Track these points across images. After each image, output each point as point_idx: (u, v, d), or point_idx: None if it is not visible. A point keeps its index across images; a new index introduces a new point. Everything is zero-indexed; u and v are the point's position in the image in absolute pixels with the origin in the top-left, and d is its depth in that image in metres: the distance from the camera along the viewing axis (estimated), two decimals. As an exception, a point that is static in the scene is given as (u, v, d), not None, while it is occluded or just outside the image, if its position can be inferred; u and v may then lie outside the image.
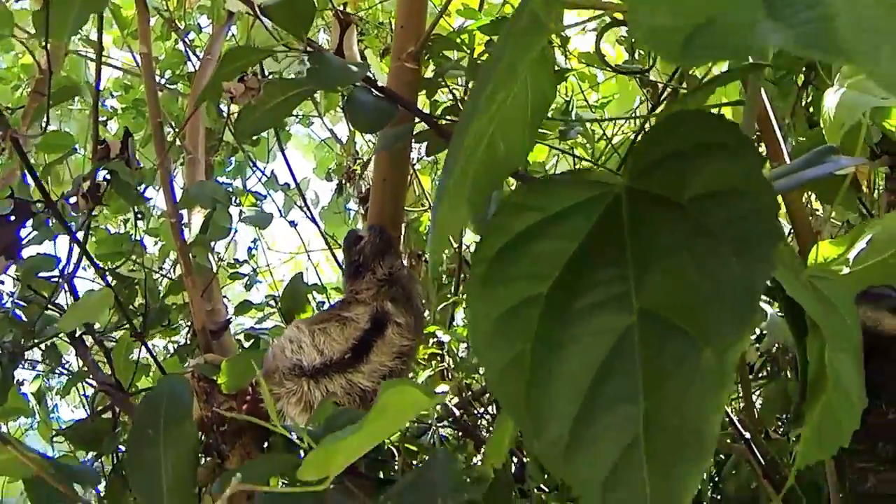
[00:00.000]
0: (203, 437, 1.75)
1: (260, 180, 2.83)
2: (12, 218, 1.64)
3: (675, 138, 0.67)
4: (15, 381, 2.21)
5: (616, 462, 0.53)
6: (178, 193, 1.98)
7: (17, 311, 1.97)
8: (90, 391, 2.36)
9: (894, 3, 0.38)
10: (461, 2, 2.17)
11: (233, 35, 2.74)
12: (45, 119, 1.66)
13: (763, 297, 1.10)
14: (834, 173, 1.38)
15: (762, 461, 1.55)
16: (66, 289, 1.97)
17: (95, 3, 1.08)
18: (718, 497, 2.20)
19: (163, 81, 2.86)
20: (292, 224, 2.84)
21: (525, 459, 2.18)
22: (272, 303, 2.48)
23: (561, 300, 0.62)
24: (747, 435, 1.58)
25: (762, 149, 1.43)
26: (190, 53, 2.91)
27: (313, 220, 2.77)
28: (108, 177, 1.76)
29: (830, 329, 0.75)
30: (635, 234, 0.63)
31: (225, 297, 2.52)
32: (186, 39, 2.96)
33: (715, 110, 0.78)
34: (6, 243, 1.67)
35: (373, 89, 1.38)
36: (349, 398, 1.42)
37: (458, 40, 1.94)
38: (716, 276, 0.56)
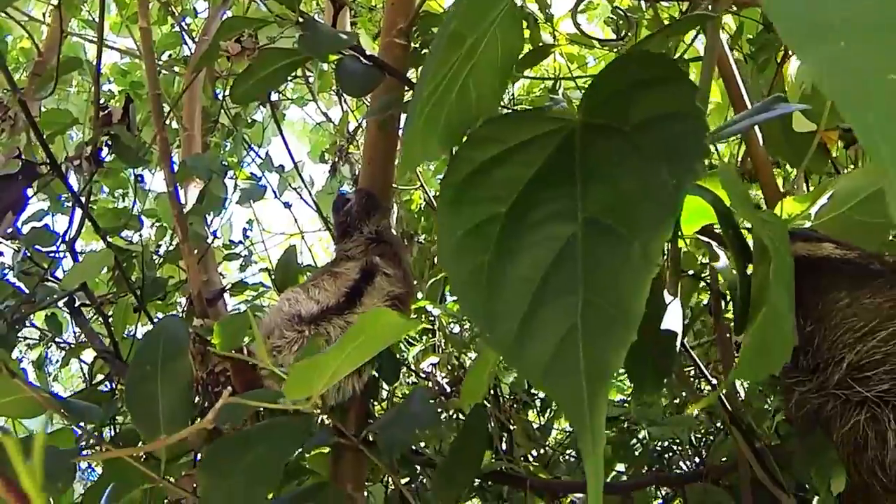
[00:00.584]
0: (198, 400, 1.83)
1: (254, 161, 2.91)
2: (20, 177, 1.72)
3: (622, 76, 0.76)
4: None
5: (557, 346, 0.61)
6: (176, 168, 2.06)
7: (18, 283, 2.06)
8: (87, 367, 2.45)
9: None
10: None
11: (229, 18, 2.82)
12: (53, 84, 1.74)
13: (717, 243, 1.19)
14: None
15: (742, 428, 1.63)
16: (66, 260, 2.05)
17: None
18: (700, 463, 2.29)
19: (159, 64, 2.94)
20: (286, 205, 2.91)
21: (512, 428, 2.26)
22: (266, 283, 2.56)
23: (518, 217, 0.70)
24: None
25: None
26: (186, 37, 2.99)
27: (308, 201, 2.85)
28: (110, 142, 1.84)
29: (777, 265, 0.83)
30: (584, 158, 0.71)
31: (221, 275, 2.61)
32: (183, 24, 3.04)
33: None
34: (13, 199, 1.75)
35: (361, 57, 1.47)
36: None
37: (448, 18, 2.01)
38: (648, 184, 0.64)
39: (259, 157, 2.91)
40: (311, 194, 2.82)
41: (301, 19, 1.45)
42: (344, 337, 0.86)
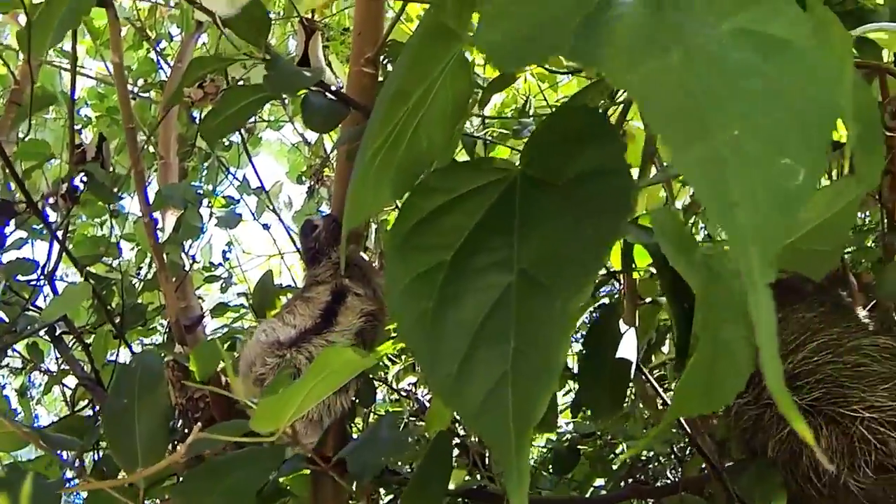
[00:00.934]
0: (179, 426, 1.89)
1: (232, 184, 2.97)
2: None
3: (558, 129, 0.83)
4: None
5: (490, 390, 0.68)
6: (152, 196, 2.13)
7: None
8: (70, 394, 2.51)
9: (660, 44, 0.53)
10: (420, 8, 2.30)
11: (203, 43, 2.89)
12: (26, 124, 1.81)
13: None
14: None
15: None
16: (47, 287, 2.12)
17: (71, 20, 1.23)
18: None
19: (135, 90, 3.00)
20: (265, 227, 2.97)
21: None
22: (246, 304, 2.63)
23: (460, 265, 0.77)
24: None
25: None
26: (161, 62, 3.06)
27: (285, 224, 2.91)
28: (85, 178, 1.92)
29: (716, 300, 0.89)
30: (522, 210, 0.78)
31: (201, 299, 2.68)
32: (157, 48, 3.10)
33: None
34: (-9, 238, 1.82)
35: (326, 92, 1.54)
36: None
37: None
38: (576, 241, 0.71)
39: (236, 178, 2.97)
40: (279, 217, 2.88)
41: (267, 56, 1.51)
42: (307, 373, 0.93)
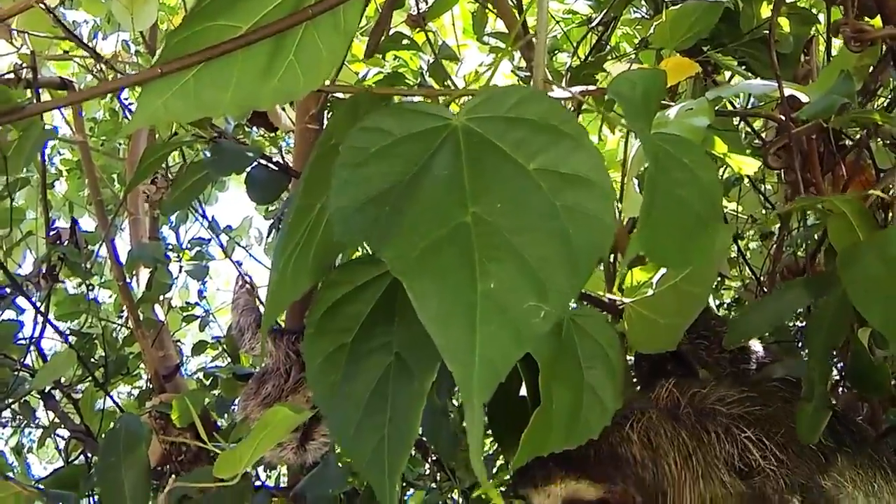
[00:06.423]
0: (166, 467, 2.22)
1: (203, 226, 3.26)
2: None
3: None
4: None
5: (374, 448, 0.98)
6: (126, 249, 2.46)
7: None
8: (62, 444, 2.82)
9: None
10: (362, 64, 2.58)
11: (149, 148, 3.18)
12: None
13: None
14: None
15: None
16: (34, 352, 2.44)
17: (39, 143, 1.55)
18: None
19: (102, 146, 3.30)
20: (238, 263, 3.26)
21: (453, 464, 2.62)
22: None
23: (357, 346, 1.07)
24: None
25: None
26: (127, 112, 3.34)
27: (257, 259, 3.22)
28: (62, 257, 2.24)
29: (583, 352, 1.19)
30: (400, 306, 1.08)
31: (179, 341, 3.00)
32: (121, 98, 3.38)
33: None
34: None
35: (269, 164, 1.84)
36: None
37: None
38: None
39: (206, 218, 3.24)
40: (249, 253, 3.18)
41: (215, 134, 1.81)
42: (254, 429, 1.25)
